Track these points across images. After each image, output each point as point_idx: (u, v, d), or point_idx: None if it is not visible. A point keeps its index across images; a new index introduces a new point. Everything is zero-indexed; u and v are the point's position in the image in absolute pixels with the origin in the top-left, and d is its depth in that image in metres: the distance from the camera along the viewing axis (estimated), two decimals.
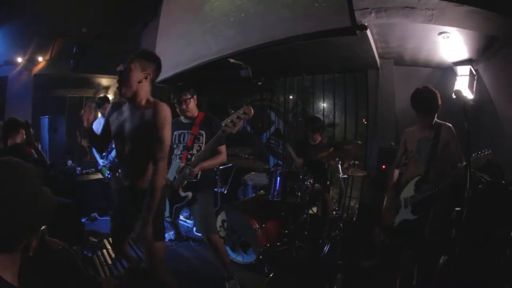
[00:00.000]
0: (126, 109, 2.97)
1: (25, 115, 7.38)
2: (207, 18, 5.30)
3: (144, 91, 2.92)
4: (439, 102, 3.38)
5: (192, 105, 3.86)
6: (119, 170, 3.43)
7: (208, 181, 3.87)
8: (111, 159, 6.15)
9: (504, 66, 4.05)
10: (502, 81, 4.17)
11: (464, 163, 3.10)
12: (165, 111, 2.85)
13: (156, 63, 3.03)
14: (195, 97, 3.89)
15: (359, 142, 4.91)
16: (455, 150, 3.37)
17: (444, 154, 3.40)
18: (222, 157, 3.81)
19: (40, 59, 8.06)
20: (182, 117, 3.96)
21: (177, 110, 3.88)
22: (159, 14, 6.87)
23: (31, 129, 4.24)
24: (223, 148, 3.79)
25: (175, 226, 5.14)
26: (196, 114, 3.91)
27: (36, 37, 7.92)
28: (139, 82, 2.87)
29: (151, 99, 2.95)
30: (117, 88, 2.92)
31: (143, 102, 2.91)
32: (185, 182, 3.69)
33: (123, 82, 2.85)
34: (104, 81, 9.46)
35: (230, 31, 4.83)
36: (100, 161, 6.21)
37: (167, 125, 2.82)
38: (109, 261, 4.55)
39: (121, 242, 3.42)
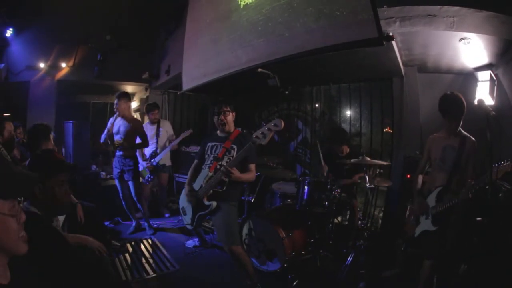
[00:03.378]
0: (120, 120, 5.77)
1: (48, 119, 7.52)
2: (235, 27, 5.34)
3: (127, 112, 5.81)
4: (464, 107, 3.39)
5: (230, 118, 3.96)
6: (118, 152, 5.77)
7: (234, 193, 3.91)
8: (154, 163, 6.43)
9: None
10: None
11: (473, 183, 3.14)
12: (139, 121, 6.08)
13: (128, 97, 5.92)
14: (234, 113, 4.02)
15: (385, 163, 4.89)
16: (471, 167, 3.39)
17: (466, 165, 3.40)
18: (251, 175, 3.87)
19: (63, 65, 8.18)
20: (218, 131, 4.07)
21: (215, 121, 4.00)
22: (184, 22, 6.91)
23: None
24: (253, 166, 3.87)
25: (198, 233, 5.22)
26: (232, 129, 3.99)
27: (58, 43, 8.05)
28: (125, 109, 5.76)
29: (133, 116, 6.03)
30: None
31: (129, 117, 5.82)
32: (211, 191, 3.75)
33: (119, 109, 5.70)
34: (129, 88, 9.54)
35: (258, 41, 4.86)
36: (143, 163, 6.32)
37: (142, 129, 5.92)
38: (132, 265, 4.64)
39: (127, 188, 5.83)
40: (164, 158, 6.79)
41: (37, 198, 2.28)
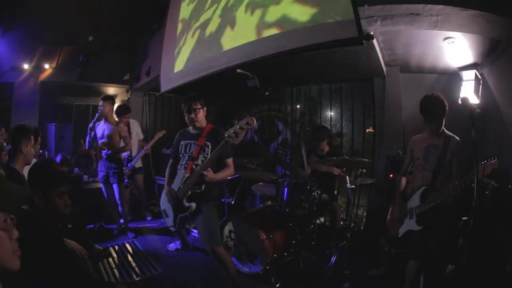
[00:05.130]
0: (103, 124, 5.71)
1: (32, 121, 7.41)
2: (214, 28, 5.34)
3: (110, 115, 5.73)
4: (446, 108, 3.38)
5: (201, 116, 3.88)
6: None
7: (213, 193, 3.85)
8: (130, 167, 6.52)
9: (507, 68, 4.04)
10: (506, 83, 4.15)
11: (456, 183, 3.13)
12: (122, 125, 5.97)
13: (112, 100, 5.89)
14: (205, 108, 3.93)
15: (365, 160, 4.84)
16: (456, 166, 3.38)
17: (450, 164, 3.39)
18: (230, 170, 3.80)
19: (46, 66, 8.07)
20: (190, 128, 3.98)
21: (186, 119, 3.90)
22: (165, 23, 6.88)
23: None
24: (230, 161, 3.78)
25: (181, 235, 5.15)
26: (204, 125, 3.92)
27: (42, 44, 7.96)
28: (109, 111, 5.69)
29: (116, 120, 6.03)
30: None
31: (112, 120, 5.75)
32: (189, 192, 3.69)
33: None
34: (111, 90, 9.44)
35: (237, 41, 4.86)
36: None
37: (125, 132, 5.85)
38: (115, 269, 4.57)
39: (112, 191, 5.73)
40: (138, 160, 6.89)
41: (38, 206, 2.27)
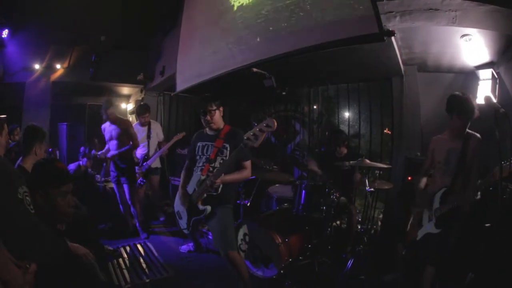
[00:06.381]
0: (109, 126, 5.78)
1: (43, 121, 7.49)
2: (230, 28, 5.32)
3: (113, 117, 5.69)
4: (474, 110, 3.26)
5: (217, 117, 3.78)
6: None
7: (229, 196, 3.77)
8: (146, 167, 6.48)
9: None
10: None
11: (480, 182, 3.02)
12: (129, 122, 6.10)
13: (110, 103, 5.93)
14: (220, 108, 3.83)
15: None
16: (477, 166, 3.24)
17: (471, 165, 3.26)
18: (247, 172, 3.71)
19: (58, 66, 8.15)
20: (207, 129, 3.89)
21: (202, 121, 3.82)
22: (180, 23, 6.87)
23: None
24: (248, 163, 3.69)
25: (194, 238, 5.04)
26: (221, 126, 3.82)
27: (54, 44, 8.03)
28: (111, 114, 5.67)
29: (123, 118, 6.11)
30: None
31: (117, 120, 5.77)
32: (205, 195, 3.60)
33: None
34: (125, 89, 9.44)
35: (254, 40, 4.82)
36: (135, 167, 6.28)
37: (132, 130, 5.81)
38: (124, 270, 4.53)
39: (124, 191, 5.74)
40: (155, 160, 6.79)
41: (40, 205, 2.19)
